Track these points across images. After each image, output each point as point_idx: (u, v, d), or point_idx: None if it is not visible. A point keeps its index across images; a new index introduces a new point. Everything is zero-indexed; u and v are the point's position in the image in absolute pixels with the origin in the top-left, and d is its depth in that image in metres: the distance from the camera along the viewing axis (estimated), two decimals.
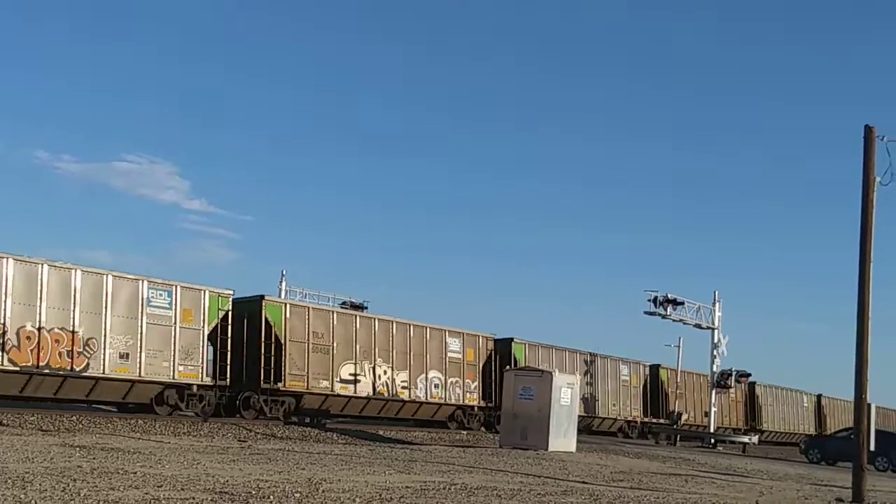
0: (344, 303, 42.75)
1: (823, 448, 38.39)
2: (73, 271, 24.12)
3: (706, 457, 32.65)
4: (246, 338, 27.93)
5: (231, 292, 27.50)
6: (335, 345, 29.91)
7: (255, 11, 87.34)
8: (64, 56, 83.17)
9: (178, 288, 26.28)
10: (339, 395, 30.13)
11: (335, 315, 30.85)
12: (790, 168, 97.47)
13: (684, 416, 46.11)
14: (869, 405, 18.46)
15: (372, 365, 31.00)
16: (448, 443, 27.74)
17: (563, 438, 26.03)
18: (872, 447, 19.70)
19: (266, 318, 28.19)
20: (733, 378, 44.63)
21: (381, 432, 28.53)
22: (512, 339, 37.34)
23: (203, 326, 26.58)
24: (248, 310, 28.08)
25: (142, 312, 25.23)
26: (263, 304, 28.37)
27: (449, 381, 34.10)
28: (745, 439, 43.56)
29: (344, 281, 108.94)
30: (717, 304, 43.68)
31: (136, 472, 12.98)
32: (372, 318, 32.27)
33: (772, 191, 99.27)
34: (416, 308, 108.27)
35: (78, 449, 16.12)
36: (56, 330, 23.57)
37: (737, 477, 23.65)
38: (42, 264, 23.54)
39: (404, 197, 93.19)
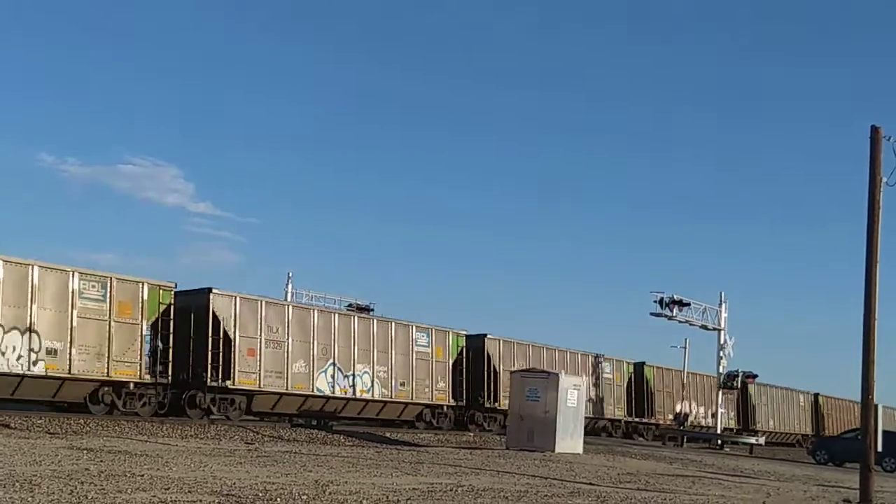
0: (350, 305, 42.80)
1: (830, 449, 38.33)
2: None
3: (713, 458, 32.62)
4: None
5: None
6: None
7: (255, 22, 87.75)
8: (68, 60, 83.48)
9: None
10: None
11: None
12: (794, 169, 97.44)
13: (690, 418, 46.09)
14: (876, 406, 18.41)
15: None
16: (455, 444, 27.74)
17: (569, 440, 26.03)
18: (880, 448, 19.62)
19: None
20: (740, 379, 44.54)
21: (388, 434, 28.55)
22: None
23: None
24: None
25: None
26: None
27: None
28: (752, 440, 43.48)
29: (349, 283, 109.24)
30: (723, 306, 43.63)
31: (143, 475, 13.01)
32: None
33: (775, 191, 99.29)
34: (421, 310, 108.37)
35: (85, 452, 16.15)
36: None
37: (744, 478, 23.63)
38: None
39: (407, 200, 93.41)
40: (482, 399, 35.08)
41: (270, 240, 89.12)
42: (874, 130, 17.91)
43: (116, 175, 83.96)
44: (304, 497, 11.78)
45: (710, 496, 17.22)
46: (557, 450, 25.15)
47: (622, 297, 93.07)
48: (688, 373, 46.57)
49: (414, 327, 32.90)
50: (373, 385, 30.93)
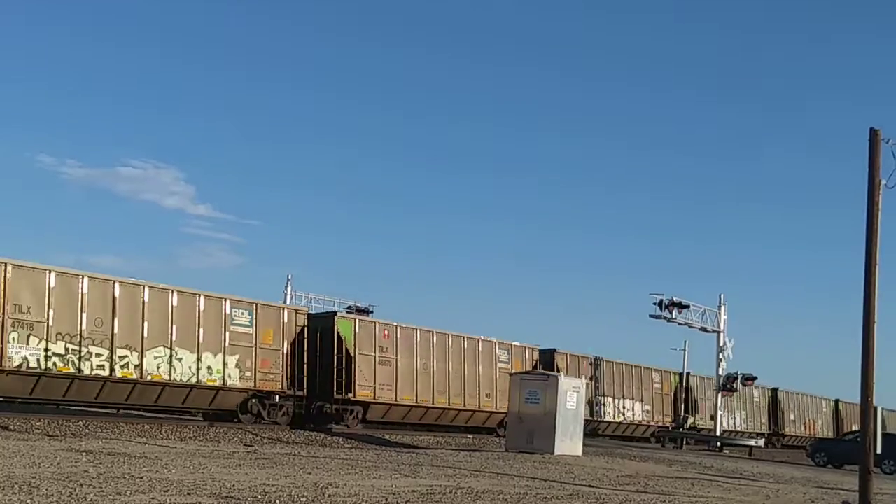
0: (349, 307, 42.75)
1: (830, 451, 38.35)
2: None
3: (712, 460, 32.62)
4: None
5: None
6: None
7: (255, 15, 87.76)
8: (68, 61, 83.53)
9: None
10: None
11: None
12: (795, 169, 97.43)
13: (690, 420, 46.05)
14: (875, 408, 18.40)
15: None
16: (454, 447, 27.75)
17: (569, 442, 26.04)
18: (879, 450, 19.64)
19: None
20: (739, 381, 44.57)
21: (387, 436, 28.55)
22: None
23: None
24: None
25: None
26: None
27: None
28: (752, 442, 43.49)
29: (349, 285, 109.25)
30: (722, 308, 43.66)
31: (142, 477, 13.01)
32: None
33: (776, 191, 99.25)
34: (421, 311, 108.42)
35: (84, 454, 16.15)
36: None
37: (743, 480, 23.63)
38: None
39: (408, 201, 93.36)
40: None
41: (271, 242, 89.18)
42: (873, 133, 17.90)
43: (116, 177, 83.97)
44: (304, 499, 11.78)
45: (709, 498, 17.23)
46: (557, 452, 25.16)
47: (621, 299, 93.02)
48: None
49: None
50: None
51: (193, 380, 26.13)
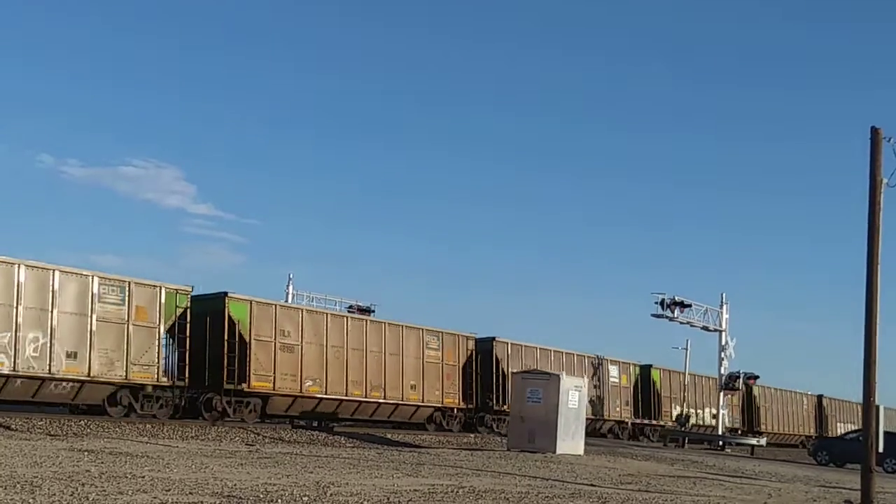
0: (351, 306, 42.77)
1: (832, 450, 38.35)
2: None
3: (714, 459, 32.62)
4: None
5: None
6: None
7: (255, 11, 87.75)
8: (68, 60, 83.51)
9: None
10: None
11: None
12: (796, 167, 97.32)
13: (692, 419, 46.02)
14: (877, 407, 18.41)
15: None
16: (456, 446, 27.77)
17: (570, 441, 26.06)
18: (881, 449, 19.62)
19: None
20: (741, 380, 44.54)
21: (389, 436, 28.57)
22: None
23: None
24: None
25: None
26: None
27: None
28: (754, 441, 43.48)
29: (351, 284, 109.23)
30: (724, 307, 43.64)
31: (144, 476, 13.02)
32: None
33: (776, 190, 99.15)
34: (421, 310, 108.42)
35: (86, 453, 16.16)
36: None
37: (745, 479, 23.63)
38: None
39: (410, 200, 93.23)
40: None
41: (272, 241, 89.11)
42: (874, 132, 17.91)
43: (117, 177, 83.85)
44: (305, 498, 11.79)
45: (711, 497, 17.22)
46: (558, 451, 25.17)
47: (623, 298, 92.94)
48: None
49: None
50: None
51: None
